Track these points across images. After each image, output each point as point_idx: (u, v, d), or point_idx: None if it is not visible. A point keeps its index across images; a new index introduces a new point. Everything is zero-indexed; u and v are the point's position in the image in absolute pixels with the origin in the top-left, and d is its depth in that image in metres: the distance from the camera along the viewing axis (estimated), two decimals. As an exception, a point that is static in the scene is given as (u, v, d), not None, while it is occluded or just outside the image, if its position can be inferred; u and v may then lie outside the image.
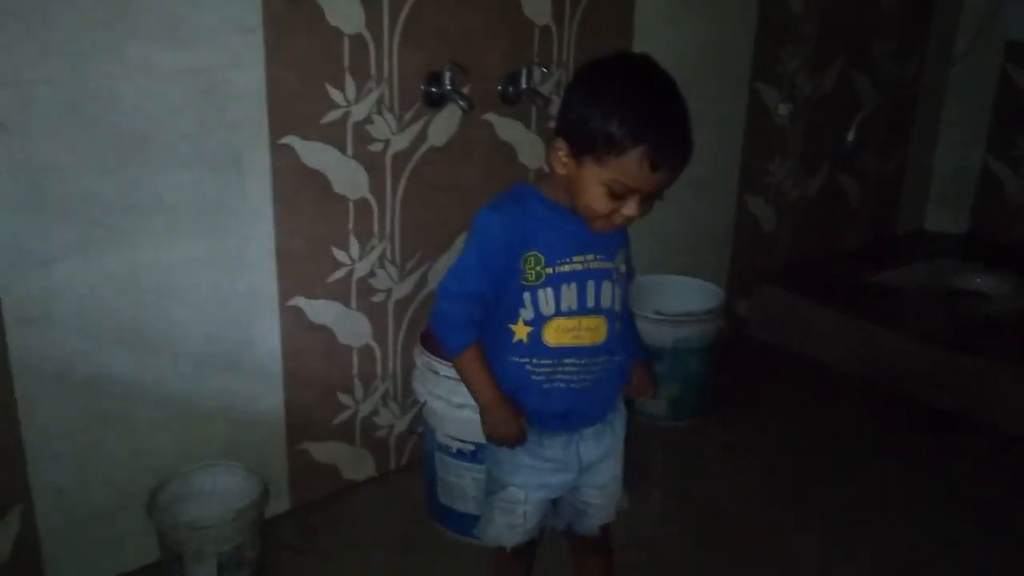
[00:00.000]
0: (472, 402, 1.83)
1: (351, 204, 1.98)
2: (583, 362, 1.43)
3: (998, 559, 2.02)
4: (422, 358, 1.99)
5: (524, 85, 2.12)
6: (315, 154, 1.89)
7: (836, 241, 3.31)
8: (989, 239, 3.51)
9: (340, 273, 2.02)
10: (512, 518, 1.53)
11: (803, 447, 2.45)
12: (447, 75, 1.98)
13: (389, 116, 1.97)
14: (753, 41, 2.72)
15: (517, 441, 1.46)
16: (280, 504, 2.07)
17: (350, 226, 2.00)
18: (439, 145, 2.07)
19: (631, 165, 1.26)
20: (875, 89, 3.17)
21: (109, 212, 1.67)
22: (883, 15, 3.11)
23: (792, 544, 2.05)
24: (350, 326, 2.07)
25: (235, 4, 1.71)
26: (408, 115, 2.00)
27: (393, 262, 2.09)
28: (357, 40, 1.87)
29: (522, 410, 1.45)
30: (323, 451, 2.12)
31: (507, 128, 2.17)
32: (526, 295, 1.39)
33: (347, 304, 2.05)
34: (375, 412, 2.18)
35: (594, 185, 1.30)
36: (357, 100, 1.91)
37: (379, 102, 1.95)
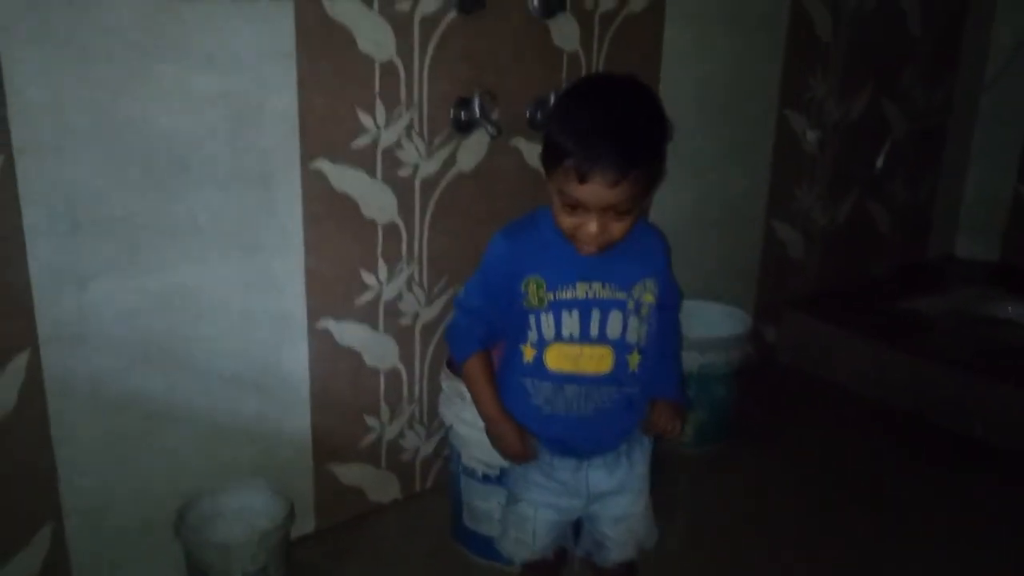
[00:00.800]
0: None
1: (380, 228, 2.00)
2: (584, 390, 1.43)
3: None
4: (448, 382, 1.99)
5: (552, 111, 2.13)
6: (345, 178, 1.91)
7: (865, 268, 3.29)
8: (1021, 267, 3.47)
9: (368, 296, 2.03)
10: (522, 534, 1.54)
11: (830, 475, 2.42)
12: (476, 101, 2.00)
13: (418, 141, 1.99)
14: (782, 68, 2.72)
15: (521, 457, 1.47)
16: (306, 525, 2.08)
17: (378, 249, 2.01)
18: (467, 170, 2.09)
19: (564, 177, 1.30)
20: (904, 116, 3.17)
21: (143, 233, 1.70)
22: (912, 42, 3.10)
23: (817, 571, 2.03)
24: (377, 349, 2.08)
25: (269, 30, 1.74)
26: (437, 140, 2.02)
27: (420, 286, 2.11)
28: (388, 67, 1.90)
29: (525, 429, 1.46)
30: (349, 473, 2.13)
31: (535, 154, 2.18)
32: (531, 318, 1.42)
33: (375, 327, 2.06)
34: (401, 435, 2.19)
35: (556, 201, 1.34)
36: (387, 125, 1.94)
37: (408, 127, 1.97)
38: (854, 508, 2.27)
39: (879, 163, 3.06)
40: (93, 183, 1.62)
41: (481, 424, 1.88)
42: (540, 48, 2.12)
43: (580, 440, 1.47)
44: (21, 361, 1.62)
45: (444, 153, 2.04)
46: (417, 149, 2.00)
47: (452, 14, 1.95)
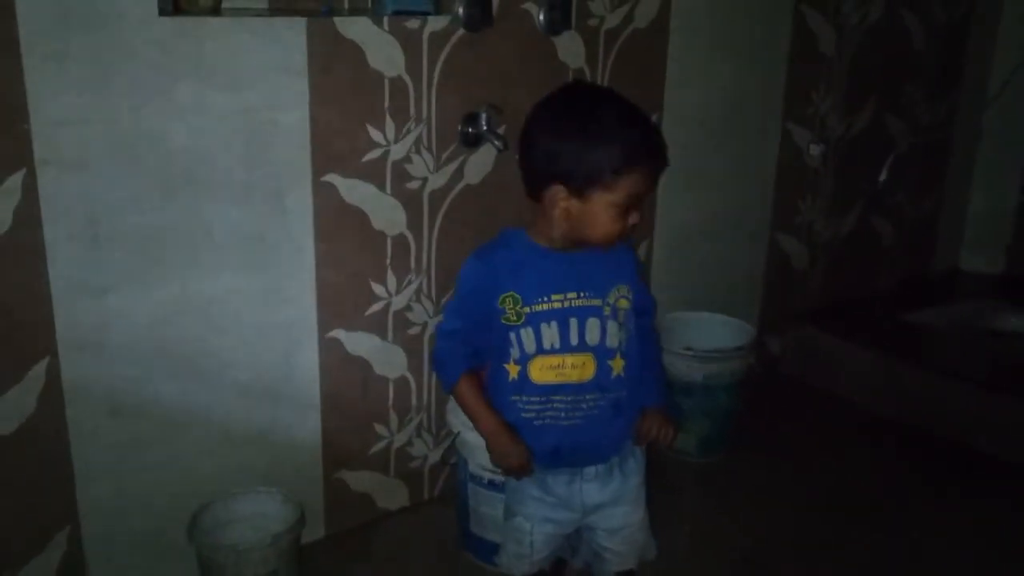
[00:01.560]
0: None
1: (389, 240, 2.05)
2: (570, 399, 1.47)
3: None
4: (456, 390, 2.03)
5: (558, 126, 2.18)
6: (355, 191, 1.96)
7: (870, 281, 3.32)
8: (1026, 280, 3.50)
9: (378, 307, 2.08)
10: (519, 547, 1.57)
11: (834, 487, 2.44)
12: (483, 116, 2.05)
13: (427, 155, 2.04)
14: (785, 82, 2.77)
15: (524, 469, 1.51)
16: (316, 531, 2.12)
17: (388, 261, 2.06)
18: (475, 183, 2.14)
19: (638, 180, 1.37)
20: (908, 130, 3.20)
21: (160, 245, 1.75)
22: (915, 57, 3.14)
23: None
24: (386, 358, 2.13)
25: (281, 47, 1.79)
26: (445, 154, 2.07)
27: (429, 297, 2.15)
28: (397, 82, 1.95)
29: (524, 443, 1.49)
30: (358, 480, 2.17)
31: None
32: (511, 335, 1.46)
33: (384, 337, 2.11)
34: (409, 443, 2.23)
35: (605, 211, 1.38)
36: (396, 140, 1.99)
37: (417, 142, 2.02)
38: (857, 520, 2.29)
39: (882, 176, 3.09)
40: (112, 197, 1.68)
41: (487, 432, 1.93)
42: (546, 64, 2.17)
43: (574, 449, 1.50)
44: (41, 368, 1.68)
45: (452, 167, 2.09)
46: (426, 163, 2.04)
47: (460, 32, 2.00)
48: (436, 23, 1.97)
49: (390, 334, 2.11)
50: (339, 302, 2.02)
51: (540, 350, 1.45)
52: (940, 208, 3.49)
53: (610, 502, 1.54)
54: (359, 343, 2.07)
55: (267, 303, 1.92)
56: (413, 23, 1.93)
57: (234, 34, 1.73)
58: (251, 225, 1.85)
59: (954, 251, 3.63)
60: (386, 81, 1.94)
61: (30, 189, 1.59)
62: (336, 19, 1.85)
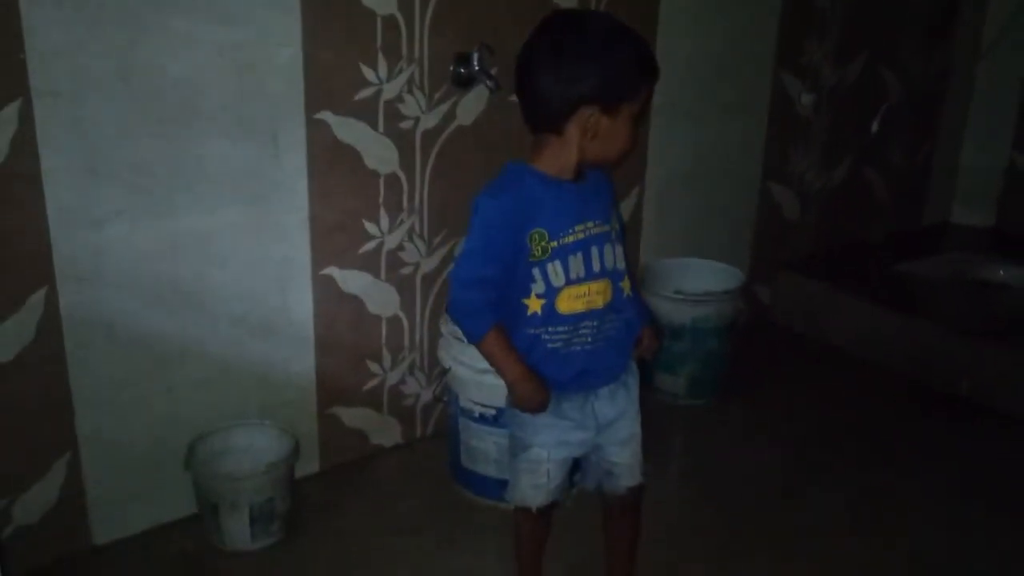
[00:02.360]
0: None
1: (382, 179, 2.07)
2: (596, 324, 1.50)
3: (1011, 543, 2.05)
4: (448, 327, 2.07)
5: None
6: (348, 129, 1.99)
7: (860, 232, 3.35)
8: (1015, 232, 3.52)
9: (371, 245, 2.11)
10: (536, 477, 1.60)
11: (820, 430, 2.49)
12: (475, 56, 2.07)
13: (419, 95, 2.06)
14: (777, 31, 2.78)
15: (543, 409, 1.53)
16: (310, 466, 2.16)
17: (380, 200, 2.09)
18: (467, 124, 2.16)
19: (651, 87, 1.47)
20: (900, 82, 3.21)
21: (155, 178, 1.78)
22: (909, 8, 3.15)
23: (807, 521, 2.10)
24: (379, 297, 2.16)
25: (275, -17, 1.81)
26: (438, 94, 2.09)
27: (421, 237, 2.18)
28: (389, 21, 1.97)
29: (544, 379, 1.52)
30: (352, 416, 2.21)
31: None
32: (535, 270, 1.46)
33: (377, 275, 2.14)
34: (402, 381, 2.27)
35: (626, 125, 1.44)
36: (389, 79, 2.01)
37: (410, 81, 2.04)
38: (842, 461, 2.34)
39: (874, 127, 3.11)
40: (108, 129, 1.70)
41: (479, 366, 1.98)
42: (539, 3, 2.18)
43: (594, 372, 1.54)
44: (39, 298, 1.71)
45: (444, 107, 2.11)
46: (418, 103, 2.07)
47: (452, -29, 2.02)
48: (428, -38, 1.99)
49: (383, 273, 2.15)
50: (332, 240, 2.05)
51: (568, 281, 1.47)
52: (932, 161, 3.51)
53: (619, 416, 1.59)
54: (352, 281, 2.11)
55: (261, 238, 1.95)
56: (405, -39, 1.95)
57: (227, -32, 1.75)
58: (244, 160, 1.88)
59: (945, 204, 3.65)
60: (378, 19, 1.95)
61: (27, 119, 1.61)
62: (328, -44, 1.86)
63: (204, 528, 1.94)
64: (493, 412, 2.00)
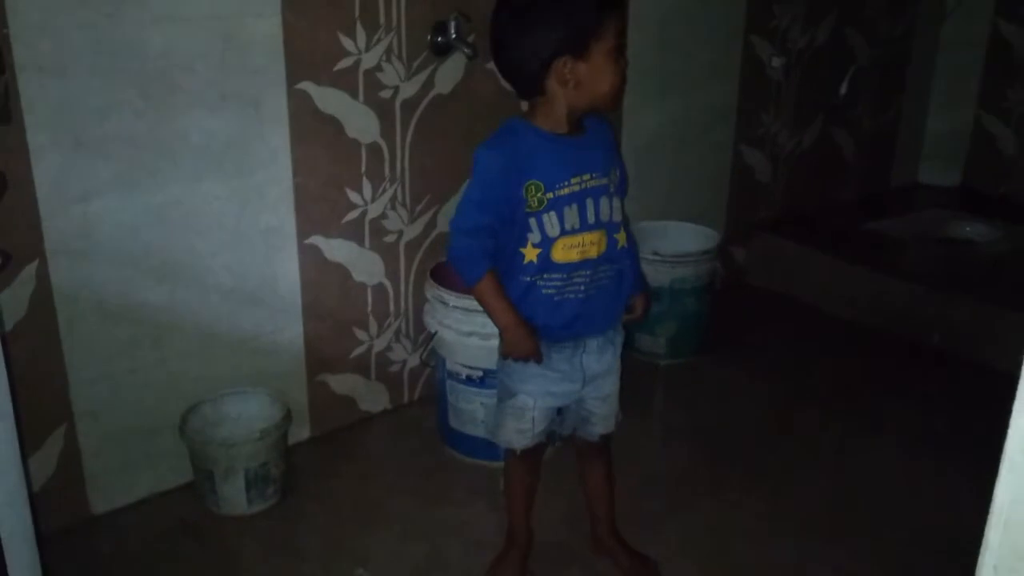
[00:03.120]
0: (480, 330, 1.97)
1: (363, 148, 2.11)
2: (589, 273, 1.56)
3: (979, 485, 2.13)
4: (432, 291, 2.11)
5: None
6: (329, 99, 2.02)
7: (832, 193, 3.42)
8: (981, 191, 3.61)
9: (354, 214, 2.14)
10: (521, 423, 1.66)
11: (797, 383, 2.56)
12: (452, 24, 2.10)
13: (398, 64, 2.09)
14: (746, -5, 2.83)
15: (534, 357, 1.59)
16: (301, 432, 2.21)
17: (362, 169, 2.12)
18: (445, 92, 2.19)
19: (618, 17, 1.47)
20: (867, 44, 3.27)
21: (141, 151, 1.80)
22: (874, -29, 3.21)
23: (787, 466, 2.18)
24: (364, 265, 2.20)
25: (253, -45, 1.83)
26: (416, 63, 2.12)
27: (404, 204, 2.22)
28: (367, -10, 1.99)
29: (535, 327, 1.57)
30: (340, 383, 2.25)
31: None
32: (532, 220, 1.51)
33: (361, 244, 2.18)
34: (389, 348, 2.31)
35: (606, 60, 1.46)
36: (368, 48, 2.03)
37: (388, 51, 2.07)
38: (817, 412, 2.42)
39: (843, 89, 3.18)
40: (93, 102, 1.72)
41: (464, 328, 2.02)
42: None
43: (586, 320, 1.59)
44: (30, 271, 1.73)
45: (423, 76, 2.14)
46: (397, 72, 2.10)
47: (427, -60, 2.04)
48: (403, -69, 2.01)
49: (367, 241, 2.18)
50: (316, 209, 2.08)
51: (563, 232, 1.52)
52: (899, 122, 3.59)
53: (605, 372, 1.65)
54: (337, 250, 2.14)
55: (246, 209, 1.98)
56: (381, -69, 1.97)
57: (206, -60, 1.77)
58: (228, 132, 1.90)
59: (913, 165, 3.73)
60: (356, -11, 1.98)
61: (13, 93, 1.62)
62: (305, -73, 1.88)
63: (200, 494, 1.98)
64: (480, 374, 2.05)
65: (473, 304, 1.80)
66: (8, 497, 1.16)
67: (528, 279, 1.54)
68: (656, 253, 2.57)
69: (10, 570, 1.14)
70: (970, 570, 0.70)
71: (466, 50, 2.11)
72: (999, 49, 3.49)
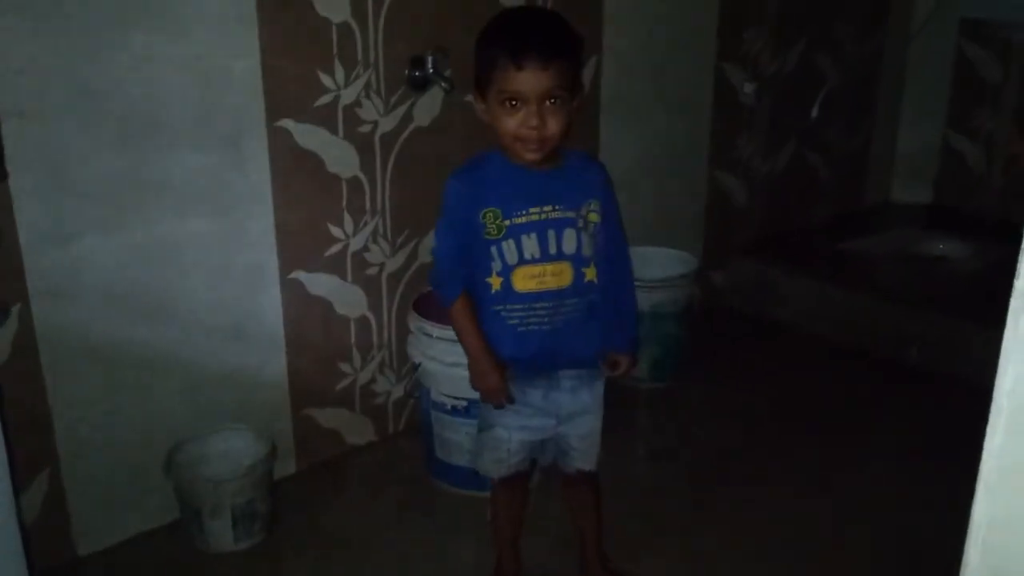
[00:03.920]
0: (463, 360, 1.97)
1: (344, 183, 2.12)
2: (551, 305, 1.58)
3: (955, 493, 2.16)
4: (415, 323, 2.13)
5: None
6: (309, 135, 2.03)
7: (806, 214, 3.47)
8: (952, 208, 3.67)
9: (336, 248, 2.16)
10: (498, 454, 1.69)
11: (777, 403, 2.59)
12: (429, 59, 2.13)
13: (376, 99, 2.12)
14: (717, 22, 2.87)
15: (499, 393, 1.61)
16: (287, 466, 2.21)
17: (343, 203, 2.14)
18: (424, 125, 2.22)
19: (503, 74, 1.44)
20: (837, 68, 3.34)
21: (122, 192, 1.81)
22: (841, -4, 3.27)
23: (769, 487, 2.20)
24: (347, 298, 2.21)
25: (230, -5, 1.85)
26: (394, 98, 2.15)
27: (385, 237, 2.23)
28: (344, 28, 2.02)
29: (504, 364, 1.59)
30: (326, 417, 2.26)
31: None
32: (493, 248, 1.55)
33: (343, 277, 2.19)
34: (373, 380, 2.32)
35: (498, 109, 1.47)
36: (346, 85, 2.06)
37: (367, 86, 2.09)
38: (798, 432, 2.44)
39: (814, 112, 3.23)
40: (74, 145, 1.73)
41: (448, 359, 2.04)
42: (487, 5, 2.24)
43: (554, 351, 1.61)
44: (13, 315, 1.73)
45: (401, 110, 2.17)
46: (375, 107, 2.12)
47: (403, -23, 2.07)
48: (379, -31, 2.04)
49: (349, 274, 2.20)
50: (298, 244, 2.09)
51: (522, 260, 1.55)
52: (870, 142, 3.65)
53: (580, 411, 1.67)
54: (319, 284, 2.15)
55: (229, 246, 1.99)
56: (357, -31, 2.00)
57: (184, -17, 1.79)
58: (210, 171, 1.91)
59: (885, 184, 3.79)
60: (333, 27, 2.00)
61: (-5, 142, 1.64)
62: (282, -33, 1.91)
63: (187, 533, 1.97)
64: (465, 404, 2.06)
65: (456, 335, 1.82)
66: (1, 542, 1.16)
67: (494, 308, 1.59)
68: (636, 279, 2.58)
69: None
70: (951, 589, 0.72)
71: (443, 84, 2.13)
72: (964, 69, 3.56)
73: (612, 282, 1.65)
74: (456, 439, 2.12)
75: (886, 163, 3.76)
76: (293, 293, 2.11)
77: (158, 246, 1.89)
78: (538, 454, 1.73)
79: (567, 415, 1.67)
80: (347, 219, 2.15)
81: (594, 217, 1.59)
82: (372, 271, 2.24)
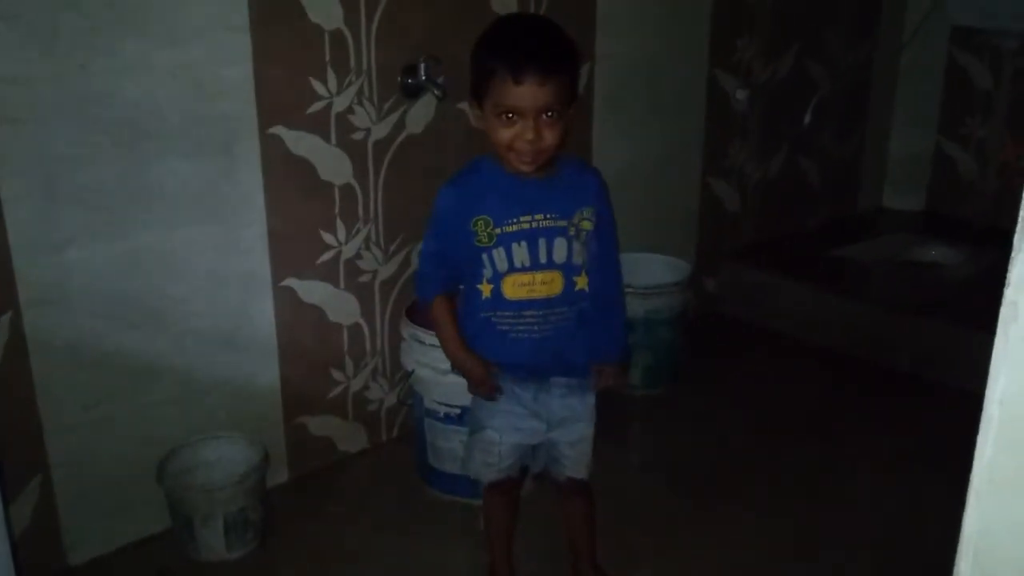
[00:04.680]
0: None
1: (336, 190, 2.12)
2: (541, 313, 1.58)
3: (951, 505, 2.16)
4: (408, 330, 2.12)
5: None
6: (301, 143, 2.03)
7: (799, 220, 3.47)
8: (944, 215, 3.68)
9: (328, 255, 2.15)
10: (488, 456, 1.68)
11: (772, 408, 2.59)
12: (422, 66, 2.13)
13: (369, 106, 2.11)
14: (709, 30, 2.88)
15: (486, 385, 1.62)
16: (280, 474, 2.20)
17: (336, 210, 2.13)
18: (417, 133, 2.22)
19: (499, 87, 1.44)
20: (829, 75, 3.35)
21: (114, 200, 1.81)
22: (834, 3, 3.28)
23: (763, 493, 2.20)
24: (340, 305, 2.21)
25: (223, 4, 1.85)
26: (387, 105, 2.15)
27: (378, 244, 2.23)
28: (337, 35, 2.02)
29: (491, 361, 1.60)
30: (318, 424, 2.25)
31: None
32: (484, 256, 1.56)
33: (336, 284, 2.18)
34: (366, 387, 2.31)
35: (493, 120, 1.47)
36: (339, 92, 2.06)
37: (359, 93, 2.09)
38: (793, 438, 2.44)
39: (806, 119, 3.24)
40: (66, 153, 1.73)
41: (441, 367, 2.03)
42: (480, 13, 2.24)
43: (545, 358, 1.61)
44: (4, 323, 1.73)
45: (394, 117, 2.17)
46: (368, 114, 2.12)
47: (395, -17, 2.07)
48: (372, -24, 2.04)
49: (342, 282, 2.19)
50: (291, 251, 2.09)
51: (512, 268, 1.55)
52: (863, 149, 3.66)
53: (571, 418, 1.67)
54: (312, 291, 2.15)
55: (221, 254, 1.98)
56: (350, -24, 2.00)
57: (176, -9, 1.79)
58: (202, 178, 1.91)
59: (877, 190, 3.80)
60: (326, 34, 2.00)
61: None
62: (274, -26, 1.91)
63: (179, 541, 1.96)
64: (458, 411, 2.06)
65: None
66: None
67: (484, 315, 1.59)
68: (629, 285, 2.57)
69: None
70: (943, 599, 0.72)
71: (436, 91, 2.13)
72: (956, 77, 3.58)
73: (602, 290, 1.65)
74: (449, 447, 2.12)
75: (878, 170, 3.77)
76: (286, 300, 2.11)
77: (150, 253, 1.88)
78: (529, 460, 1.73)
79: (558, 421, 1.66)
80: (340, 226, 2.15)
81: (587, 225, 1.59)
82: (365, 278, 2.23)
